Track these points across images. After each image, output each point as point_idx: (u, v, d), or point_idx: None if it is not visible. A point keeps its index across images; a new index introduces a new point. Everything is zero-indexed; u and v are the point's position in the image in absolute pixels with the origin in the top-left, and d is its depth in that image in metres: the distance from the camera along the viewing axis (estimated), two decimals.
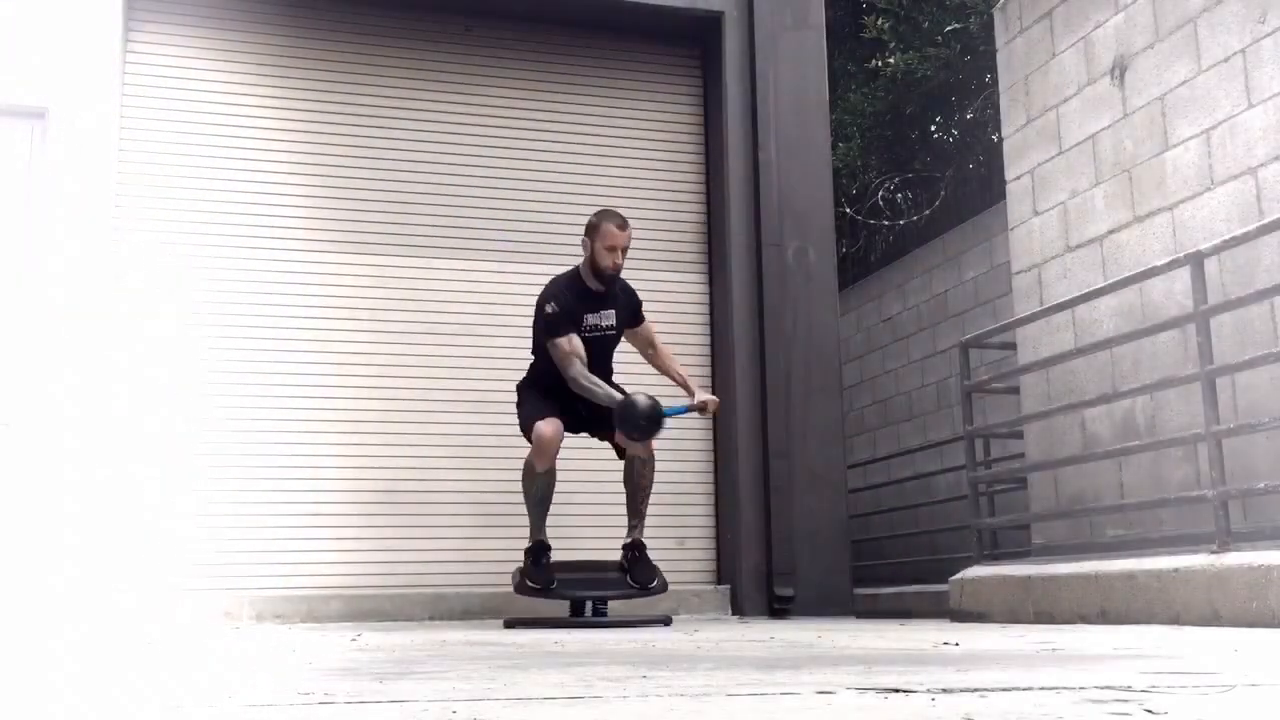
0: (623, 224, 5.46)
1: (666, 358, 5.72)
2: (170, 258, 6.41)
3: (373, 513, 6.42)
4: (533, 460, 5.33)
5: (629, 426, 5.22)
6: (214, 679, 2.34)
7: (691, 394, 5.53)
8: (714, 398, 5.72)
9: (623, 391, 5.34)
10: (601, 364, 5.46)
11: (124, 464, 6.14)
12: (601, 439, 5.58)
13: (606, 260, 5.39)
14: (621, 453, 5.50)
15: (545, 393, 5.44)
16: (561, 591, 5.46)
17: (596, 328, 5.45)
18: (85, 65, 6.20)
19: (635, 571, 5.45)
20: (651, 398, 5.26)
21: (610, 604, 5.60)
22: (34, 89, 6.15)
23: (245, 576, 6.16)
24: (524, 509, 5.51)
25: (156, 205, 6.45)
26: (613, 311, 5.51)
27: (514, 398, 5.67)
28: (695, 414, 5.56)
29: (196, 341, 6.37)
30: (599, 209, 5.69)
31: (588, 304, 5.43)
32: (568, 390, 5.37)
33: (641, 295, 5.73)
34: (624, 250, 5.43)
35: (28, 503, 5.77)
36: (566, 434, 5.43)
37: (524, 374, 5.65)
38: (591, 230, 5.46)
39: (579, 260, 5.59)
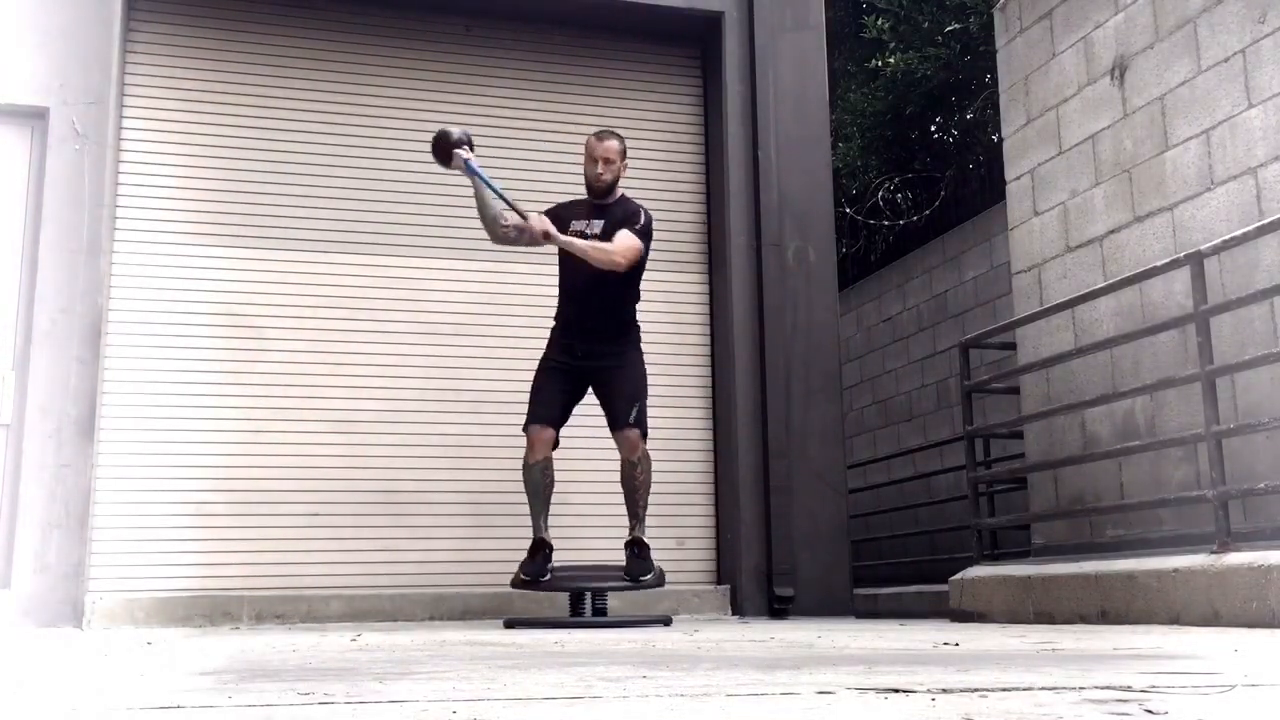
0: (600, 134, 5.70)
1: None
2: (169, 257, 6.41)
3: (372, 513, 6.42)
4: (526, 455, 5.48)
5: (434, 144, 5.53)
6: (212, 679, 2.34)
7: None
8: (537, 218, 5.49)
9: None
10: (584, 272, 5.45)
11: (123, 464, 6.14)
12: (602, 402, 5.62)
13: (589, 171, 5.63)
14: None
15: (547, 357, 5.56)
16: (553, 583, 5.48)
17: (580, 234, 5.54)
18: (85, 65, 6.20)
19: (628, 566, 5.48)
20: (466, 134, 5.55)
21: (610, 603, 5.60)
22: (34, 89, 6.14)
23: (245, 576, 6.16)
24: (524, 509, 5.54)
25: (155, 205, 6.45)
26: (601, 222, 5.59)
27: (513, 397, 5.70)
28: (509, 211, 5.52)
29: (195, 341, 6.36)
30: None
31: (579, 213, 5.64)
32: (569, 328, 5.54)
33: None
34: (604, 160, 5.58)
35: (29, 500, 5.76)
36: (566, 433, 5.50)
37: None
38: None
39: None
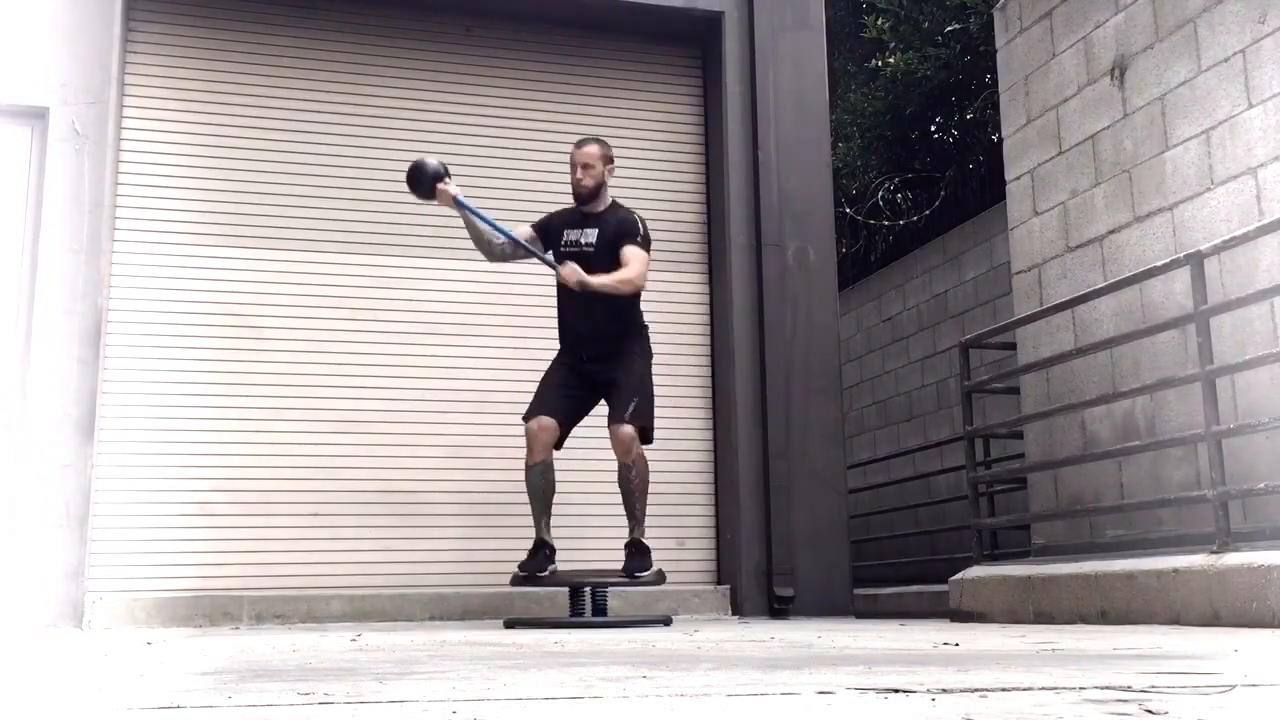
0: (580, 141, 5.70)
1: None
2: (169, 257, 6.41)
3: (372, 513, 6.42)
4: (526, 456, 5.46)
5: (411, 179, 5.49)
6: (212, 679, 2.34)
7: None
8: (569, 268, 5.42)
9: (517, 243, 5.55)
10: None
11: (123, 464, 6.14)
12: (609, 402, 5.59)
13: (571, 178, 5.63)
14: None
15: (557, 358, 5.57)
16: (553, 579, 5.48)
17: (575, 244, 5.54)
18: (85, 65, 6.20)
19: (627, 563, 5.48)
20: (443, 165, 5.48)
21: (610, 604, 5.60)
22: (34, 89, 6.14)
23: (245, 576, 6.16)
24: (524, 509, 5.55)
25: (155, 205, 6.45)
26: (595, 231, 5.56)
27: (514, 397, 5.69)
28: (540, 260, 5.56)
29: (195, 341, 6.36)
30: None
31: (572, 221, 5.61)
32: (576, 344, 5.53)
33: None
34: (583, 166, 5.57)
35: (29, 500, 5.76)
36: (573, 427, 5.52)
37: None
38: None
39: None
